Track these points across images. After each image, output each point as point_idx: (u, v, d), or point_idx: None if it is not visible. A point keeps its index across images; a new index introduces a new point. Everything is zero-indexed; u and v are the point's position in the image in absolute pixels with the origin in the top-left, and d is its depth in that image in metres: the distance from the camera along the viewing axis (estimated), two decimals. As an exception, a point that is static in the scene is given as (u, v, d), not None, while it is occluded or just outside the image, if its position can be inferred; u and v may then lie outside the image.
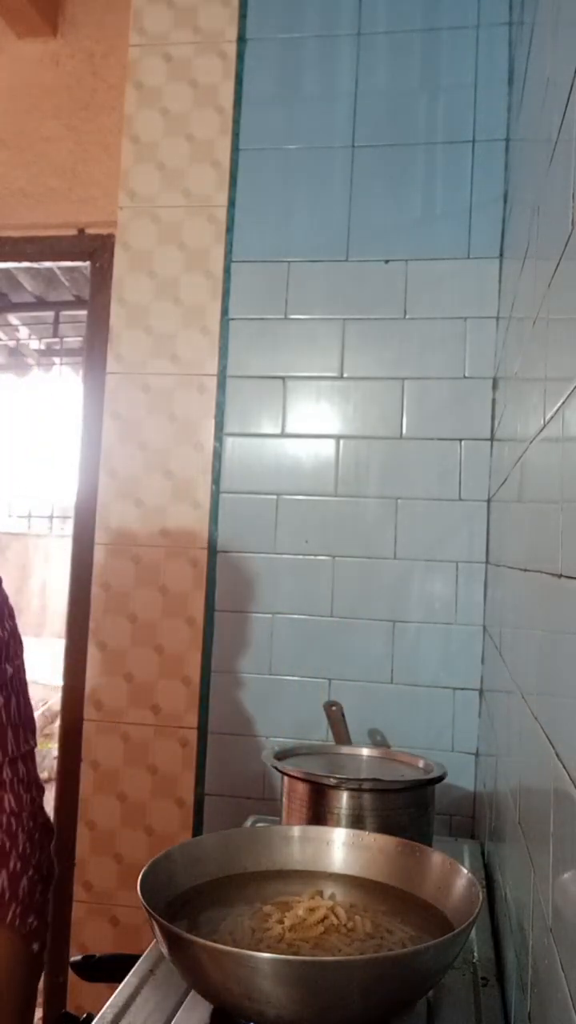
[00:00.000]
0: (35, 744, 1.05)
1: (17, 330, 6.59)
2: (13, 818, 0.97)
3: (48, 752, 4.28)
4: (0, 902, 0.92)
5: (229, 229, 1.78)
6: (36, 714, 1.08)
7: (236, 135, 1.80)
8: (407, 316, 1.70)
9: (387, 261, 1.72)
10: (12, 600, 1.07)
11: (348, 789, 1.20)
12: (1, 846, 0.95)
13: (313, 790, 1.22)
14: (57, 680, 1.98)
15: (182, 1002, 0.88)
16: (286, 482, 1.72)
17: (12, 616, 1.05)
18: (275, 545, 1.71)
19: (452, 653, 1.64)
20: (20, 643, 1.05)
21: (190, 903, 0.91)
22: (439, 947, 0.75)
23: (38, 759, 1.08)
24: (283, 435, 1.74)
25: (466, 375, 1.67)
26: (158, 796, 1.72)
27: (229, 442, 1.76)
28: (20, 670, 1.04)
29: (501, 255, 1.66)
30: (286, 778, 1.27)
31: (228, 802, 1.69)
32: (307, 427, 1.73)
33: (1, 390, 8.14)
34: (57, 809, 1.82)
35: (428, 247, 1.70)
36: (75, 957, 1.19)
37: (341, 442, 1.71)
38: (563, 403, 0.66)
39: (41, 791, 1.03)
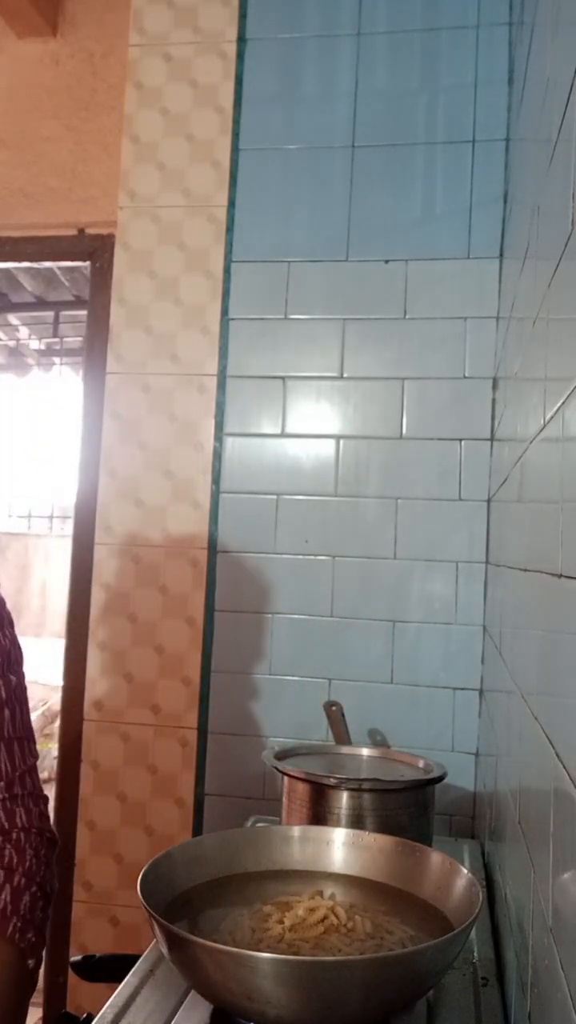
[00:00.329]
0: (37, 755, 1.05)
1: (17, 330, 6.59)
2: (23, 833, 0.97)
3: (48, 752, 4.28)
4: (2, 916, 0.92)
5: (229, 229, 1.78)
6: (36, 714, 1.08)
7: (236, 135, 1.80)
8: (407, 316, 1.70)
9: (387, 261, 1.72)
10: (12, 601, 1.07)
11: (348, 789, 1.20)
12: (9, 860, 0.94)
13: (313, 790, 1.22)
14: (57, 680, 1.98)
15: (182, 1002, 0.88)
16: (286, 482, 1.73)
17: (11, 624, 1.04)
18: (275, 545, 1.71)
19: (452, 653, 1.64)
20: (21, 651, 1.05)
21: (190, 903, 0.91)
22: (439, 947, 0.75)
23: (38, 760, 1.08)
24: (283, 435, 1.74)
25: (466, 375, 1.67)
26: (158, 796, 1.72)
27: (229, 442, 1.76)
28: (22, 679, 1.03)
29: (501, 255, 1.66)
30: (286, 778, 1.27)
31: (228, 802, 1.69)
32: (307, 427, 1.73)
33: (1, 390, 8.14)
34: (57, 809, 1.82)
35: (428, 247, 1.70)
36: (75, 957, 1.19)
37: (341, 442, 1.71)
38: (563, 403, 0.66)
39: (45, 801, 1.03)
